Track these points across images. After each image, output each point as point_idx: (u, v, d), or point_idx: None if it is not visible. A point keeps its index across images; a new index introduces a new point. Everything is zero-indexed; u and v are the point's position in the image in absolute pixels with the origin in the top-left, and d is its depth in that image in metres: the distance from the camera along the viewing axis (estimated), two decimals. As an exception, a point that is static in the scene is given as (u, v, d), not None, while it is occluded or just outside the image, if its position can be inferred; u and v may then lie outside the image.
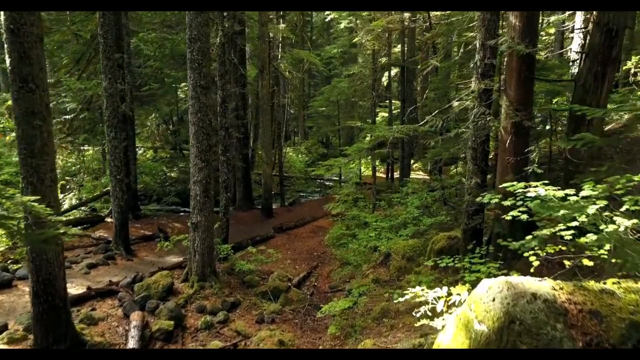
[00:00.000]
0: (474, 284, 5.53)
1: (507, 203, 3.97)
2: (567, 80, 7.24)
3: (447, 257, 5.60)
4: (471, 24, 11.61)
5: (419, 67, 16.63)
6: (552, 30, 15.29)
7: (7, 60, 5.05)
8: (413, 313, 4.09)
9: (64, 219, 11.31)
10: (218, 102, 10.66)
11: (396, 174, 18.45)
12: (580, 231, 3.58)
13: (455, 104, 6.75)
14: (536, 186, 3.40)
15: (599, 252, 3.46)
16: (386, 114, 20.66)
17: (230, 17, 12.01)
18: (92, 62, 12.88)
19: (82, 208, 14.51)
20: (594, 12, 5.77)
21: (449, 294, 3.75)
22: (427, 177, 19.34)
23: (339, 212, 12.07)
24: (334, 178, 22.08)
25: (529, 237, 3.19)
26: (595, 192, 3.05)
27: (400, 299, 4.09)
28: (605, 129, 9.64)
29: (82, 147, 17.02)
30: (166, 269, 9.24)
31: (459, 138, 7.25)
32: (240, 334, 7.23)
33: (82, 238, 11.45)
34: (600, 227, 3.47)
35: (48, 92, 5.49)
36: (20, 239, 5.12)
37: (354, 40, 17.81)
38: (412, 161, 19.87)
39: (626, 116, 9.86)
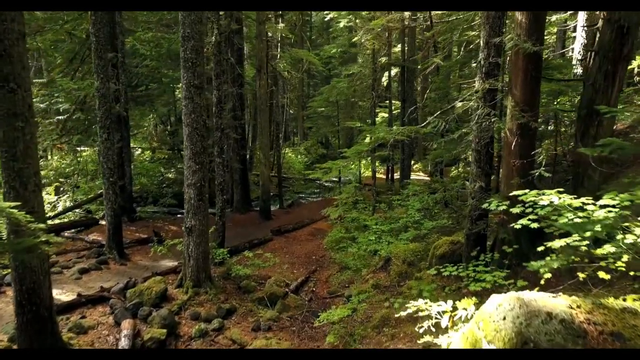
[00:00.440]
0: (479, 294, 5.28)
1: (515, 210, 3.72)
2: (576, 80, 6.99)
3: (451, 266, 5.35)
4: (473, 23, 11.39)
5: (419, 66, 16.39)
6: (553, 30, 15.04)
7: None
8: (416, 328, 3.84)
9: (47, 225, 11.08)
10: (214, 103, 10.40)
11: (396, 175, 18.22)
12: (595, 240, 3.33)
13: (459, 104, 6.50)
14: (547, 194, 3.15)
15: (616, 264, 3.22)
16: (386, 114, 20.41)
17: (227, 16, 11.77)
18: (86, 61, 12.62)
19: (77, 210, 14.25)
20: (604, 9, 5.52)
21: (454, 309, 3.50)
22: (427, 178, 19.09)
23: (339, 215, 11.81)
24: (334, 179, 21.82)
25: (548, 257, 2.91)
26: (616, 202, 2.79)
27: (402, 313, 3.84)
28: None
29: (78, 148, 16.79)
30: (160, 274, 9.00)
31: (462, 140, 7.00)
32: (236, 343, 6.97)
33: (75, 241, 11.21)
34: (617, 237, 3.22)
35: (31, 92, 5.24)
36: (1, 247, 4.85)
37: (354, 40, 17.59)
38: (412, 162, 19.62)
39: (632, 117, 9.61)
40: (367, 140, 10.80)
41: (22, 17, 5.07)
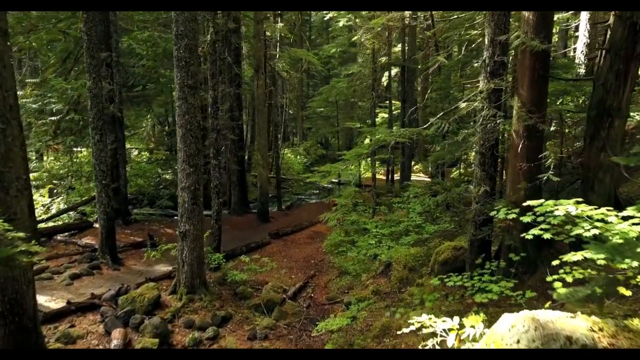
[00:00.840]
0: (485, 305, 5.03)
1: (526, 219, 3.46)
2: (584, 79, 6.72)
3: (455, 275, 5.09)
4: (475, 21, 11.15)
5: (419, 66, 16.15)
6: (555, 29, 14.80)
7: (-34, 57, 4.54)
8: (420, 346, 3.58)
9: (37, 230, 10.84)
10: (209, 103, 10.14)
11: (396, 176, 17.97)
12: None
13: (463, 105, 6.24)
14: (564, 204, 2.89)
15: (637, 280, 2.96)
16: (386, 115, 20.16)
17: (224, 14, 11.51)
18: (80, 60, 12.35)
19: (72, 213, 13.99)
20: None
21: (461, 326, 3.24)
22: (428, 179, 18.84)
23: (338, 218, 11.54)
24: (334, 180, 21.56)
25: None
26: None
27: (405, 330, 3.58)
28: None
29: (75, 149, 16.52)
30: (154, 279, 8.74)
31: (466, 142, 6.73)
32: (230, 353, 6.70)
33: (68, 245, 10.94)
34: (637, 250, 2.97)
35: (15, 92, 4.98)
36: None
37: (353, 39, 17.34)
38: (412, 163, 19.37)
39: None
40: (367, 141, 10.55)
41: (5, 14, 4.82)
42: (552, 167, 5.36)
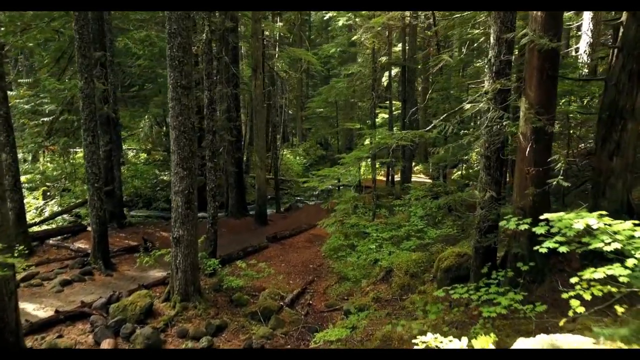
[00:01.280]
0: (492, 319, 4.76)
1: (540, 231, 3.20)
2: (596, 79, 6.45)
3: (460, 286, 4.82)
4: (477, 21, 10.89)
5: (420, 66, 15.89)
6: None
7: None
8: None
9: (29, 234, 10.61)
10: (205, 104, 9.87)
11: (397, 177, 17.71)
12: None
13: (467, 106, 5.97)
14: (585, 216, 2.62)
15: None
16: (386, 115, 19.90)
17: (221, 13, 11.25)
18: (74, 60, 12.06)
19: (66, 216, 13.71)
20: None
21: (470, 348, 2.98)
22: (429, 180, 18.59)
23: (338, 220, 11.27)
24: (334, 181, 21.28)
25: (578, 286, 2.32)
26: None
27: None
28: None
29: (71, 150, 16.24)
30: (147, 286, 8.48)
31: (471, 145, 6.47)
32: (225, 364, 6.44)
33: (60, 250, 10.67)
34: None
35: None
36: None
37: (353, 39, 17.08)
38: (413, 164, 19.12)
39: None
40: (367, 142, 10.31)
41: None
42: (561, 171, 5.08)
